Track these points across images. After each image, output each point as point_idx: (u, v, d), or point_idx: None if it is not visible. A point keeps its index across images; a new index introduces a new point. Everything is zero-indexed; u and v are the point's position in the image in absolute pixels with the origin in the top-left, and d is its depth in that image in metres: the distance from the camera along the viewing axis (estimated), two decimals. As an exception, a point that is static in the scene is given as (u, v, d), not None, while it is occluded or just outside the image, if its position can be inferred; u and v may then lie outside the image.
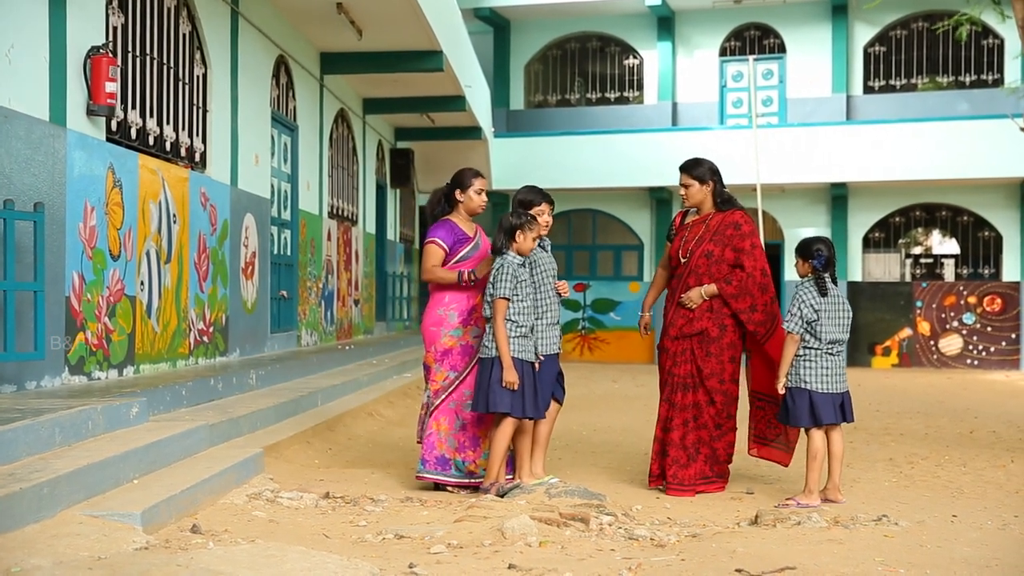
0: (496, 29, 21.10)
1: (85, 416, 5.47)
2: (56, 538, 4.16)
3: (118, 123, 7.60)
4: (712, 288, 6.37)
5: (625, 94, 21.22)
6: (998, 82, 19.19)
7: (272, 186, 11.06)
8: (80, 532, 4.28)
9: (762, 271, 6.40)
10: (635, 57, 20.99)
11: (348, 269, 14.10)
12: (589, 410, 10.92)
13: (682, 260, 6.52)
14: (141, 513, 4.58)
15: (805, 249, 6.07)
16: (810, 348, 5.96)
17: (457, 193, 6.67)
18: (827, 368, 5.95)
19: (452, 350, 6.36)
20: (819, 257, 5.99)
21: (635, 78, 21.11)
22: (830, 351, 5.96)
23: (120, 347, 7.44)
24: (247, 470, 6.10)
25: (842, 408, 5.99)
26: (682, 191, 6.60)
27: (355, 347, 12.70)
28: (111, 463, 5.02)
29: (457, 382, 6.33)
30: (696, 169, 6.55)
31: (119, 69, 7.23)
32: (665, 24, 20.41)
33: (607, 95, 21.31)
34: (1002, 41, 19.17)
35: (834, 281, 6.08)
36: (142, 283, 7.79)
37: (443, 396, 6.33)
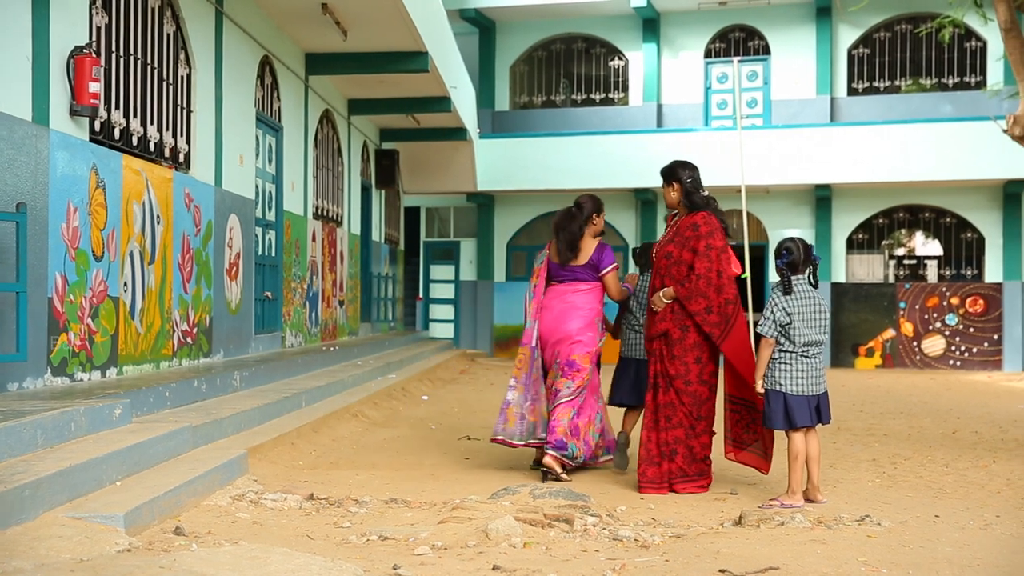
0: (481, 30, 21.10)
1: (68, 418, 5.45)
2: (38, 540, 4.14)
3: (102, 123, 7.57)
4: (671, 291, 6.47)
5: (610, 95, 21.25)
6: (981, 84, 19.29)
7: (257, 187, 11.03)
8: (62, 534, 4.26)
9: (718, 272, 6.40)
10: (620, 58, 21.02)
11: (333, 270, 14.07)
12: (574, 411, 10.91)
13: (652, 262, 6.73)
14: (124, 515, 4.56)
15: (776, 250, 6.14)
16: (785, 351, 5.98)
17: (594, 216, 7.31)
18: (802, 370, 5.97)
19: (599, 354, 7.25)
20: (782, 257, 6.04)
21: (620, 79, 21.14)
22: (805, 353, 5.97)
23: (103, 348, 7.41)
24: (231, 471, 6.09)
25: (818, 410, 6.01)
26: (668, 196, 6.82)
27: (340, 348, 12.68)
28: (94, 465, 5.00)
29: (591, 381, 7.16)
30: (666, 172, 6.74)
31: (103, 69, 7.21)
32: (650, 25, 20.45)
33: (592, 96, 21.33)
34: (985, 44, 19.27)
35: (814, 283, 6.10)
36: (125, 284, 7.76)
37: (585, 392, 7.08)
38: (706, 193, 6.67)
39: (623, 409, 7.50)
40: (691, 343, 6.44)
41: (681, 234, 6.54)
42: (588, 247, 7.18)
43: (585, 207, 7.17)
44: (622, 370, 7.50)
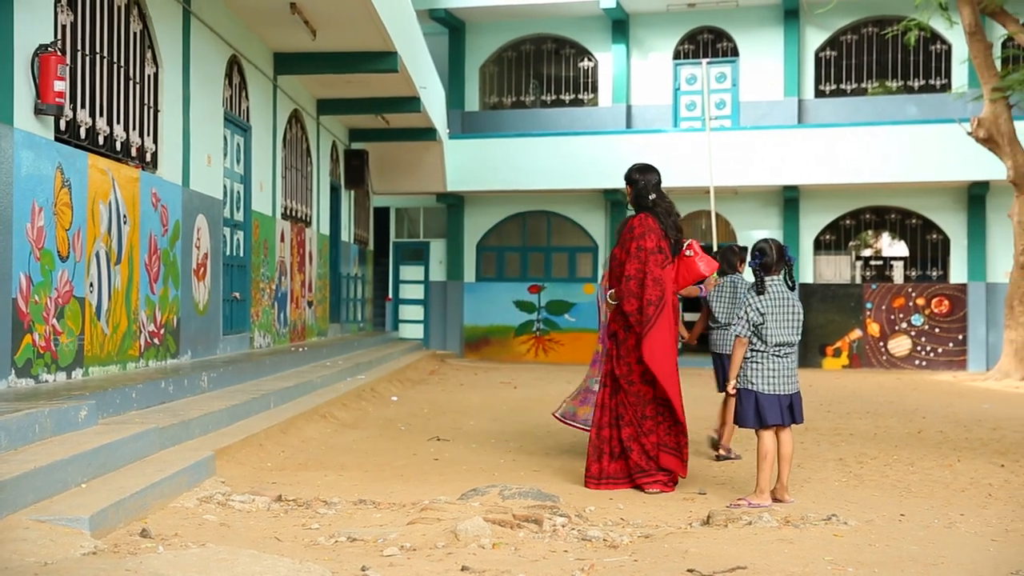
0: (451, 30, 21.08)
1: (32, 419, 5.40)
2: (1, 544, 4.10)
3: (67, 122, 7.50)
4: (613, 292, 6.66)
5: (580, 96, 21.29)
6: (946, 87, 19.50)
7: (225, 187, 10.96)
8: (26, 537, 4.21)
9: (639, 270, 6.47)
10: (590, 59, 21.07)
11: (302, 270, 14.01)
12: (544, 412, 10.93)
13: None
14: (89, 518, 4.52)
15: (750, 251, 6.19)
16: (757, 350, 6.02)
17: None
18: (774, 370, 6.01)
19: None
20: (756, 258, 6.10)
21: (589, 80, 21.18)
22: (777, 353, 6.02)
23: (68, 349, 7.34)
24: (198, 473, 6.05)
25: (791, 409, 6.06)
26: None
27: (309, 349, 12.63)
28: (59, 467, 4.95)
29: None
30: (625, 174, 6.86)
31: (68, 68, 7.14)
32: (619, 27, 20.51)
33: (562, 97, 21.36)
34: (950, 47, 19.47)
35: (791, 284, 6.15)
36: (91, 284, 7.69)
37: None
38: (653, 197, 6.69)
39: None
40: (632, 344, 6.56)
41: (622, 236, 6.70)
42: None
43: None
44: (714, 363, 8.13)
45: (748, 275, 7.40)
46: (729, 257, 8.04)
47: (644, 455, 6.49)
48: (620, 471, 6.55)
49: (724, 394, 7.78)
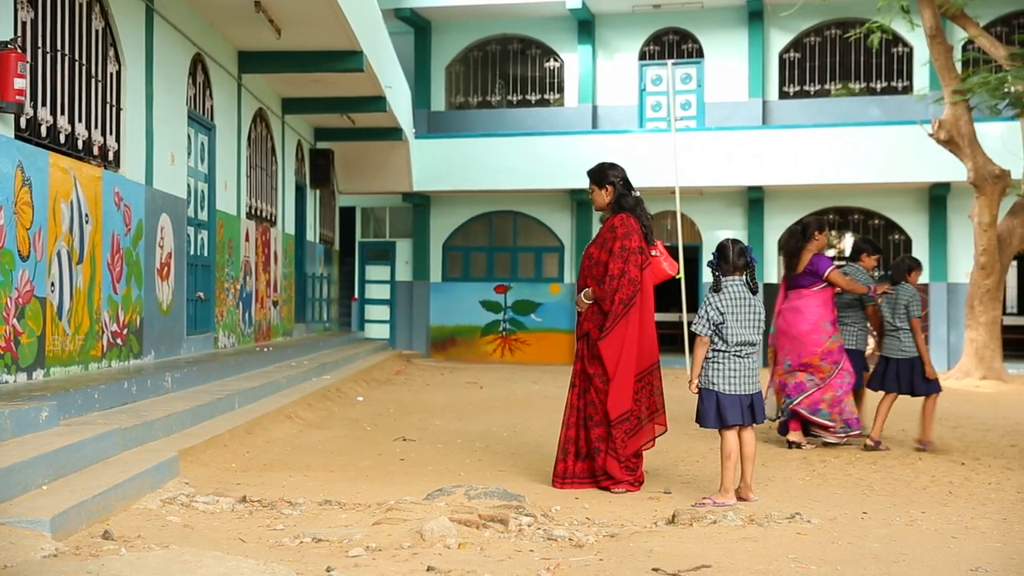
0: (417, 30, 21.05)
1: (-8, 421, 5.33)
2: (-39, 546, 4.05)
3: (28, 120, 7.41)
4: (591, 291, 6.59)
5: (546, 96, 21.32)
6: (907, 89, 19.70)
7: (189, 186, 10.88)
8: (-14, 540, 4.16)
9: (620, 270, 6.46)
10: (556, 60, 21.10)
11: (267, 270, 13.94)
12: (509, 411, 10.95)
13: None
14: (50, 519, 4.48)
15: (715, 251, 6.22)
16: (718, 350, 6.05)
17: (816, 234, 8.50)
18: (735, 370, 6.04)
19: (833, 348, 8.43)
20: (714, 257, 6.14)
21: (556, 80, 21.22)
22: (738, 353, 6.04)
23: (29, 350, 7.25)
24: (161, 474, 6.01)
25: (752, 409, 6.09)
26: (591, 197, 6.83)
27: (274, 349, 12.56)
28: (18, 469, 4.90)
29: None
30: (595, 175, 6.78)
31: (28, 65, 7.05)
32: (585, 27, 20.56)
33: (528, 97, 21.38)
34: (911, 49, 19.68)
35: (751, 285, 6.16)
36: (53, 284, 7.61)
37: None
38: (637, 194, 6.74)
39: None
40: None
41: (602, 235, 6.66)
42: (805, 260, 8.49)
43: (809, 226, 8.53)
44: (881, 365, 8.68)
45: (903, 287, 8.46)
46: (900, 267, 8.61)
47: (614, 456, 6.46)
48: (585, 471, 6.56)
49: (882, 392, 8.54)
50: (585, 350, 6.61)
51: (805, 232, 8.55)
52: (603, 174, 6.72)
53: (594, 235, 7.02)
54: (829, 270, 8.43)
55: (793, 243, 8.65)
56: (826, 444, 8.42)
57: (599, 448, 6.48)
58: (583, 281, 6.67)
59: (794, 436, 8.38)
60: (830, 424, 8.34)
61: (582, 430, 6.57)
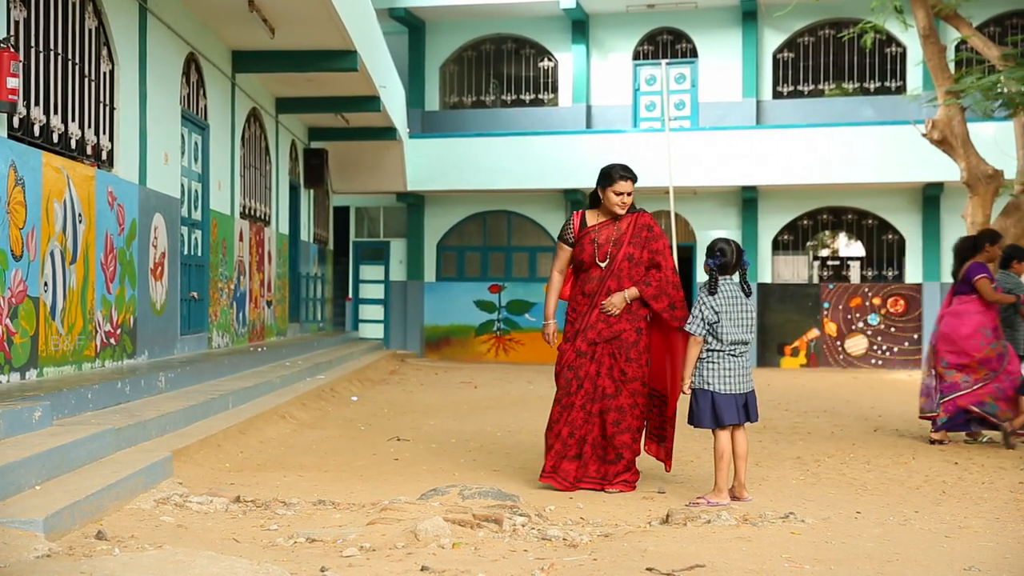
0: (411, 29, 21.03)
1: (-15, 421, 5.32)
2: (-47, 547, 4.04)
3: (20, 120, 7.39)
4: (634, 291, 6.48)
5: (540, 96, 21.32)
6: (901, 89, 19.73)
7: (182, 185, 10.87)
8: (-21, 540, 4.16)
9: (673, 269, 6.57)
10: (550, 59, 21.10)
11: (260, 270, 13.92)
12: (504, 411, 10.95)
13: (600, 264, 6.55)
14: (43, 520, 4.47)
15: (708, 250, 6.18)
16: (712, 350, 6.05)
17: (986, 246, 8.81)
18: (729, 369, 6.04)
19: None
20: (715, 257, 6.10)
21: (550, 80, 21.22)
22: (732, 352, 6.05)
23: (22, 349, 7.24)
24: (155, 474, 6.00)
25: (746, 408, 6.09)
26: (624, 198, 6.54)
27: (268, 349, 12.55)
28: (11, 469, 4.89)
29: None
30: (630, 172, 6.59)
31: (21, 64, 7.04)
32: (579, 27, 20.56)
33: (522, 97, 21.38)
34: (905, 49, 19.71)
35: (744, 284, 6.15)
36: (46, 284, 7.59)
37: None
38: None
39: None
40: (644, 346, 6.52)
41: (637, 235, 6.55)
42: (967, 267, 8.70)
43: (981, 237, 8.89)
44: None
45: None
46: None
47: (634, 462, 6.48)
48: (600, 473, 6.53)
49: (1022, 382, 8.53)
50: (618, 352, 6.47)
51: (976, 244, 8.82)
52: (629, 172, 6.58)
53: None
54: (977, 278, 8.58)
55: (964, 251, 8.87)
56: (1009, 446, 8.32)
57: (623, 455, 6.42)
58: (615, 283, 6.50)
59: (936, 436, 8.64)
60: (998, 419, 8.45)
61: (618, 436, 6.47)
